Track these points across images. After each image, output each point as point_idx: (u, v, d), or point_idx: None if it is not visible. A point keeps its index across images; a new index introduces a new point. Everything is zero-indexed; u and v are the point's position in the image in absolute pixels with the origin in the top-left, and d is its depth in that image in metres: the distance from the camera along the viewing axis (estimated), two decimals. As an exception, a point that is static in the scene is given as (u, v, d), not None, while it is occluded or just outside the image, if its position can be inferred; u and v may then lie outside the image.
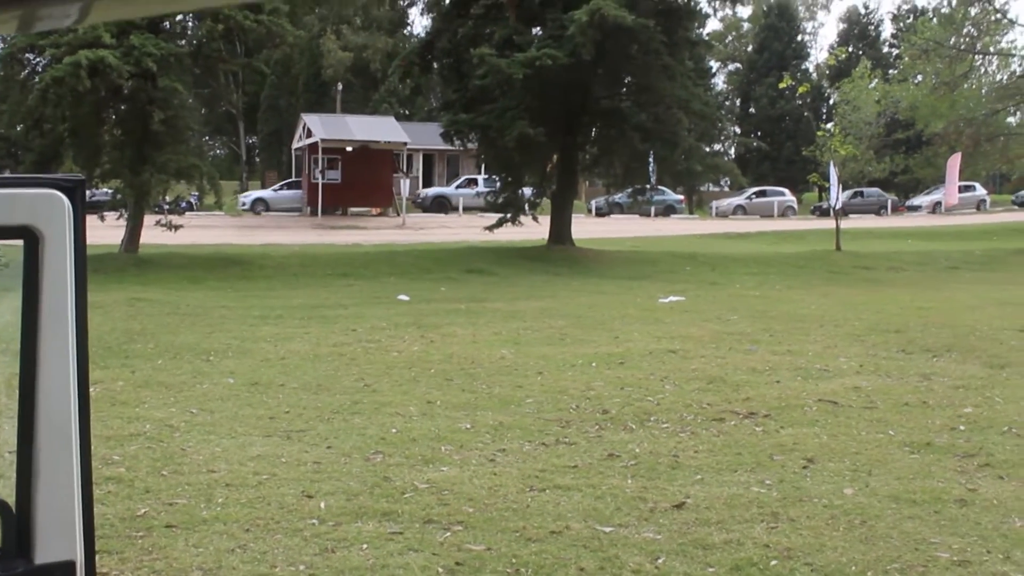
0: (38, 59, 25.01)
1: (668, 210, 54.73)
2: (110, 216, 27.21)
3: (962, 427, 8.92)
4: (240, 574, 5.52)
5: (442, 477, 7.35)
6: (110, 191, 27.98)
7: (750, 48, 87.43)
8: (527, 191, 31.99)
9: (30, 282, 2.13)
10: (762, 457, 7.88)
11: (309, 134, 48.30)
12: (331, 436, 8.59)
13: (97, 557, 5.70)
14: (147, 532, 6.19)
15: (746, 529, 6.17)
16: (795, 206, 60.27)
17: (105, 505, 6.68)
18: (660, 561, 5.66)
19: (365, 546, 5.94)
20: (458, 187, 52.37)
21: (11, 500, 2.17)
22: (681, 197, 55.59)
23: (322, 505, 6.70)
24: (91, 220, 29.81)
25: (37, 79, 23.77)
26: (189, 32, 26.86)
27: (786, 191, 61.32)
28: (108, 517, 6.43)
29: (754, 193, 59.06)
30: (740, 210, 57.67)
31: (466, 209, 48.42)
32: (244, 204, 49.93)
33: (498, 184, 31.97)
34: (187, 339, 14.16)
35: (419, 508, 6.63)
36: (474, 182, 52.26)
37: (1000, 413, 9.51)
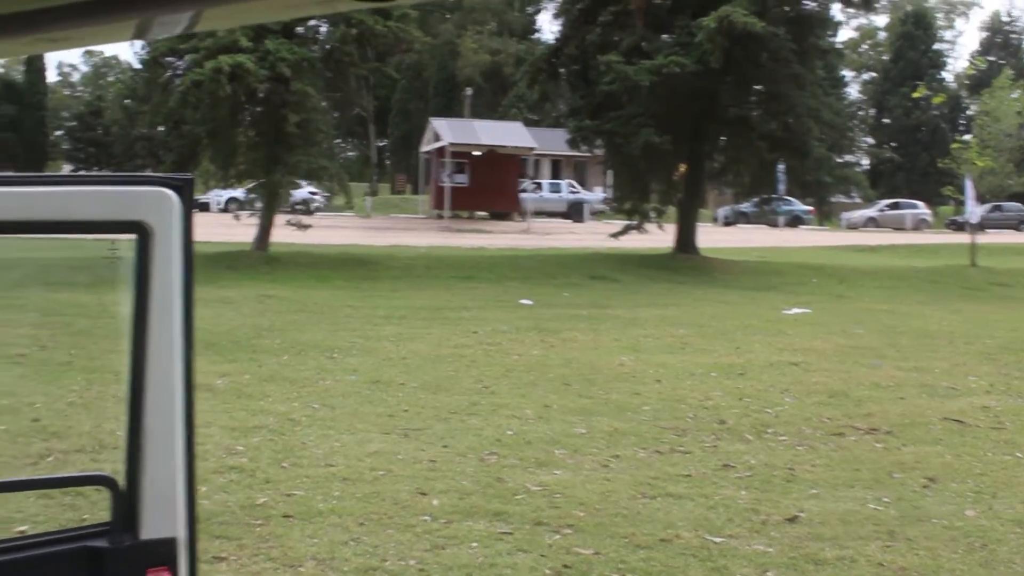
0: (179, 63, 25.82)
1: (795, 221, 53.86)
2: (243, 215, 28.03)
3: (1096, 451, 8.60)
4: (351, 566, 5.64)
5: (555, 480, 7.39)
6: (244, 191, 28.76)
7: (885, 57, 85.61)
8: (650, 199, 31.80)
9: (140, 275, 2.25)
10: (881, 474, 7.73)
11: (437, 138, 48.85)
12: (447, 435, 8.70)
13: (217, 542, 5.89)
14: (265, 521, 6.36)
15: (860, 546, 6.07)
16: (929, 219, 58.69)
17: (227, 493, 6.89)
18: (769, 574, 5.60)
19: (475, 544, 6.01)
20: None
21: (120, 479, 2.28)
22: (809, 208, 54.57)
23: (435, 503, 6.80)
24: (226, 218, 30.72)
25: (178, 82, 24.55)
26: (321, 37, 27.41)
27: (920, 204, 59.75)
28: (229, 504, 6.63)
29: (887, 205, 57.71)
30: (872, 222, 56.39)
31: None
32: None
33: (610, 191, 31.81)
34: (313, 336, 14.47)
35: (530, 510, 6.68)
36: (539, 186, 52.16)
37: None
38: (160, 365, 2.26)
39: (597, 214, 51.74)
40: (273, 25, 24.12)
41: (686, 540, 6.14)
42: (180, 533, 2.27)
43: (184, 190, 2.27)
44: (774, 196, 33.60)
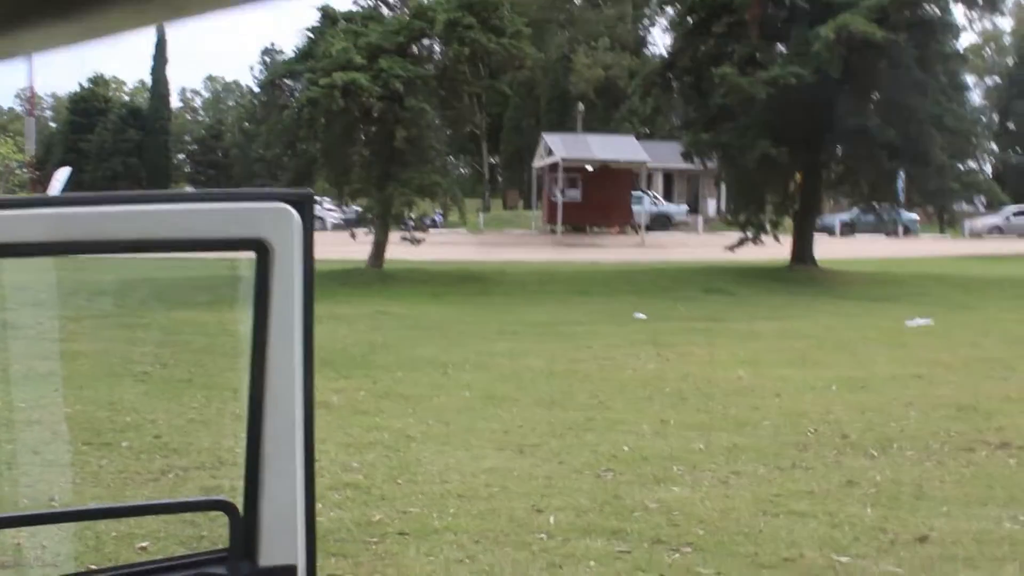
0: (295, 85, 26.30)
1: (904, 230, 52.07)
2: (359, 232, 28.38)
3: None
4: (469, 585, 5.58)
5: (673, 497, 7.24)
6: (359, 209, 29.13)
7: (1010, 61, 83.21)
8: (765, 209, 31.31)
9: (261, 293, 2.20)
10: (1016, 491, 7.40)
11: (550, 153, 48.81)
12: (563, 452, 8.61)
13: (333, 560, 5.88)
14: (381, 538, 6.34)
15: (997, 568, 5.80)
16: None
17: (342, 510, 6.89)
18: (901, 596, 5.38)
19: (592, 563, 5.91)
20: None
21: (239, 503, 2.24)
22: (916, 216, 52.82)
23: (551, 520, 6.71)
24: (341, 236, 31.13)
25: (293, 102, 25.00)
26: (436, 56, 27.67)
27: None
28: (344, 521, 6.63)
29: (1014, 213, 55.70)
30: (997, 230, 54.44)
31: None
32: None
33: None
34: (426, 352, 14.51)
35: (648, 528, 6.54)
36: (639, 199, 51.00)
37: None
38: (280, 385, 2.21)
39: (679, 224, 51.13)
40: (387, 44, 24.45)
41: (811, 559, 5.94)
42: (300, 560, 2.22)
43: (304, 206, 2.22)
44: (883, 204, 32.73)
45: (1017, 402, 10.88)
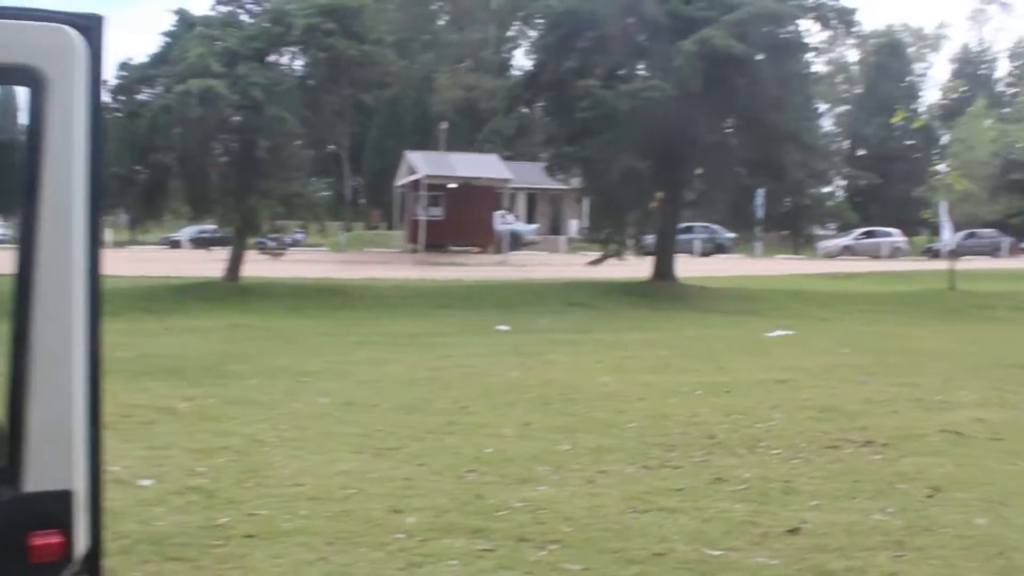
0: (150, 92, 25.28)
1: (718, 248, 52.76)
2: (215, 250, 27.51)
3: (1103, 461, 8.21)
4: (319, 586, 5.17)
5: (538, 496, 6.93)
6: (215, 227, 28.23)
7: (859, 90, 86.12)
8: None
9: (35, 134, 1.72)
10: (882, 485, 7.31)
11: (412, 171, 48.45)
12: (423, 454, 8.24)
13: (171, 564, 5.39)
14: (226, 541, 5.89)
15: (869, 557, 5.64)
16: (904, 247, 58.52)
17: (185, 514, 6.41)
18: (775, 586, 5.16)
19: (454, 562, 5.56)
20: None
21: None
22: (733, 235, 53.80)
23: (410, 520, 6.34)
24: (197, 253, 30.12)
25: (147, 110, 24.05)
26: (295, 67, 27.02)
27: (895, 231, 59.59)
28: (187, 526, 6.16)
29: (862, 233, 57.45)
30: (847, 251, 56.10)
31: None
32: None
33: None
34: (283, 362, 14.00)
35: (513, 526, 6.22)
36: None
37: None
38: (55, 265, 1.73)
39: (529, 244, 51.22)
40: (245, 50, 23.77)
41: (682, 554, 5.69)
42: (78, 485, 1.76)
43: (93, 31, 1.74)
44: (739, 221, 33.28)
45: (877, 404, 10.92)
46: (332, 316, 21.09)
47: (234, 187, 24.86)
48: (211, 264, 27.78)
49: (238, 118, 23.79)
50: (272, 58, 25.88)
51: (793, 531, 6.12)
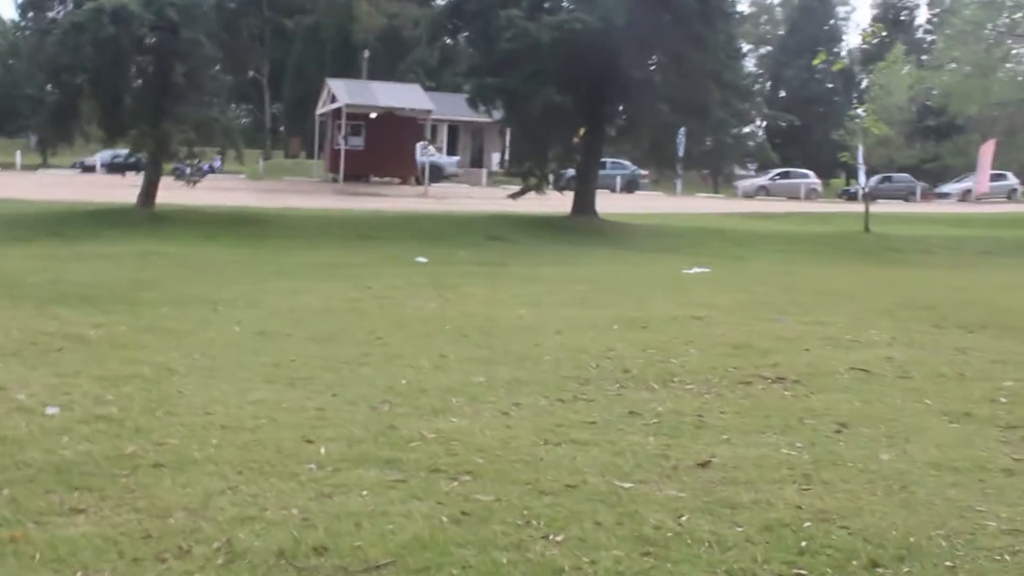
0: (60, 7, 24.52)
1: (631, 185, 53.02)
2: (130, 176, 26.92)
3: (1003, 399, 8.40)
4: (227, 515, 5.09)
5: (452, 428, 6.91)
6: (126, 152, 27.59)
7: (782, 31, 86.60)
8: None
9: None
10: (792, 420, 7.41)
11: (333, 99, 47.71)
12: (337, 385, 8.18)
13: (76, 494, 5.28)
14: (132, 471, 5.78)
15: (776, 490, 5.71)
16: (819, 189, 59.32)
17: (91, 443, 6.29)
18: (684, 519, 5.20)
19: (365, 492, 5.51)
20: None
21: None
22: (645, 172, 54.06)
23: (322, 450, 6.28)
24: (111, 178, 29.50)
25: (57, 27, 23.32)
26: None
27: (811, 173, 60.36)
28: (93, 455, 6.03)
29: (778, 174, 58.12)
30: (763, 191, 56.73)
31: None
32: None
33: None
34: (196, 290, 13.80)
35: (425, 457, 6.19)
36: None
37: (1043, 388, 9.00)
38: None
39: (450, 177, 50.92)
40: (162, -28, 23.16)
41: (593, 486, 5.71)
42: None
43: None
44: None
45: (789, 341, 11.07)
46: (248, 245, 20.84)
47: (148, 111, 24.27)
48: (125, 190, 27.26)
49: (153, 39, 23.16)
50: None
51: (703, 464, 6.18)
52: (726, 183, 54.30)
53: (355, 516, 5.13)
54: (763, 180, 57.24)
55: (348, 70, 64.70)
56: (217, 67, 26.74)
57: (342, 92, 46.83)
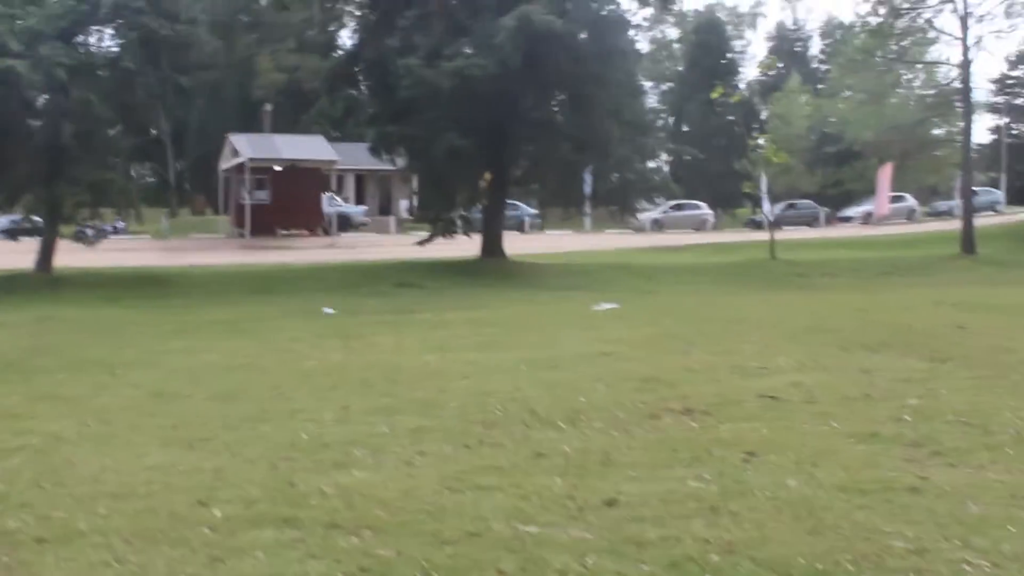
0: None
1: (520, 225, 52.79)
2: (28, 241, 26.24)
3: (908, 418, 8.44)
4: (111, 589, 4.85)
5: (353, 481, 6.71)
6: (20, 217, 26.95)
7: (681, 67, 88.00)
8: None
9: None
10: (700, 452, 7.33)
11: (236, 154, 47.21)
12: (236, 444, 7.93)
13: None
14: (13, 547, 5.50)
15: (683, 524, 5.61)
16: (711, 219, 59.69)
17: (-29, 522, 5.97)
18: (589, 560, 5.07)
19: (260, 554, 5.30)
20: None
21: None
22: (535, 211, 54.30)
23: (217, 513, 6.04)
24: (8, 244, 28.72)
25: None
26: (105, 44, 25.91)
27: (703, 204, 60.86)
28: (-29, 534, 5.72)
29: (671, 207, 58.28)
30: (656, 224, 56.66)
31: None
32: None
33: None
34: (94, 353, 13.41)
35: (324, 513, 5.99)
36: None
37: (945, 403, 9.07)
38: None
39: (359, 226, 50.74)
40: (49, 30, 22.69)
41: (497, 532, 5.56)
42: None
43: None
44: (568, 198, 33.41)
45: (698, 372, 11.06)
46: (150, 305, 20.39)
47: (41, 174, 23.73)
48: (22, 255, 26.54)
49: (43, 101, 22.68)
50: (80, 38, 24.77)
51: (610, 503, 6.06)
52: (628, 219, 54.40)
53: (248, 581, 4.92)
54: (656, 214, 57.01)
55: (251, 125, 64.21)
56: (116, 127, 26.26)
57: (244, 147, 46.37)
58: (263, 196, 46.17)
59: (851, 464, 6.94)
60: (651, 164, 51.67)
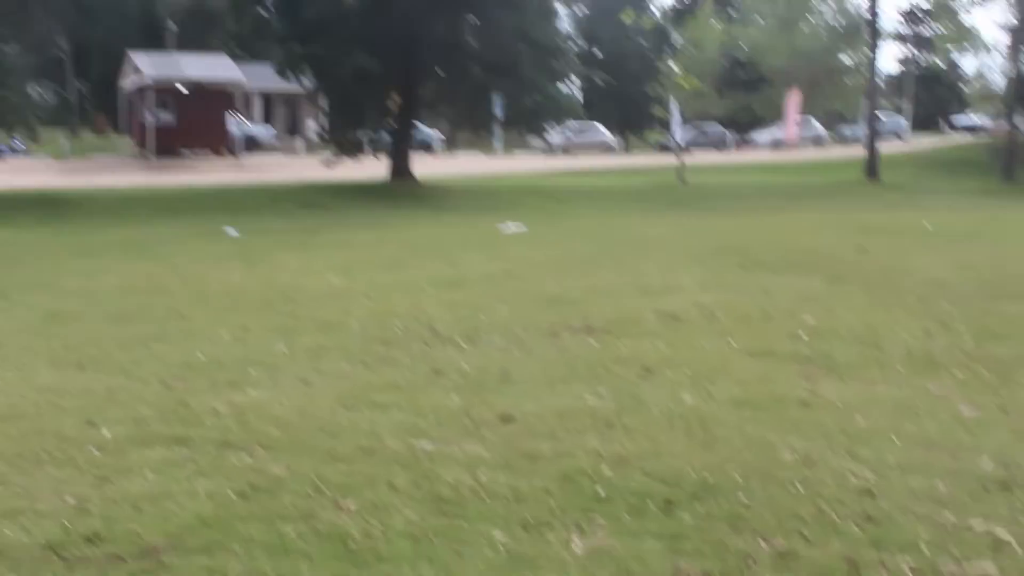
0: None
1: (425, 147, 52.09)
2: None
3: (803, 335, 8.58)
4: (-8, 511, 4.72)
5: (248, 400, 6.62)
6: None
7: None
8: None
9: None
10: (598, 369, 7.36)
11: (137, 72, 45.84)
12: (129, 364, 7.77)
13: None
14: None
15: (578, 439, 5.63)
16: (614, 143, 59.45)
17: None
18: (482, 475, 5.06)
19: (148, 473, 5.20)
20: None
21: None
22: (440, 136, 53.72)
23: (106, 434, 5.91)
24: None
25: None
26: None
27: (603, 128, 60.27)
28: None
29: (574, 131, 57.82)
30: (563, 148, 56.00)
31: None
32: None
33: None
34: (-14, 276, 13.02)
35: (216, 432, 5.89)
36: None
37: (840, 322, 9.24)
38: None
39: (266, 147, 49.94)
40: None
41: (391, 448, 5.53)
42: None
43: None
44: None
45: (601, 292, 11.10)
46: (48, 226, 19.88)
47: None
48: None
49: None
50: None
51: (505, 419, 6.06)
52: (536, 141, 54.06)
53: (135, 499, 4.83)
54: (559, 137, 56.43)
55: (156, 45, 62.47)
56: (12, 45, 25.33)
57: (147, 66, 45.05)
58: (167, 117, 45.02)
59: (746, 380, 7.02)
60: (562, 88, 51.49)
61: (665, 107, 40.11)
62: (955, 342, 8.33)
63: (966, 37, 67.55)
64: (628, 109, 67.75)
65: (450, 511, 4.61)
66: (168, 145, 43.89)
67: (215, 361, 7.79)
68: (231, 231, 18.31)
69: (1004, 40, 51.07)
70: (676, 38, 75.28)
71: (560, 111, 37.68)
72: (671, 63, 46.68)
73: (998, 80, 63.86)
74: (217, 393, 6.81)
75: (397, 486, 4.93)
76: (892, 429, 5.78)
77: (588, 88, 72.83)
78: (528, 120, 35.69)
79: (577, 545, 4.24)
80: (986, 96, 71.18)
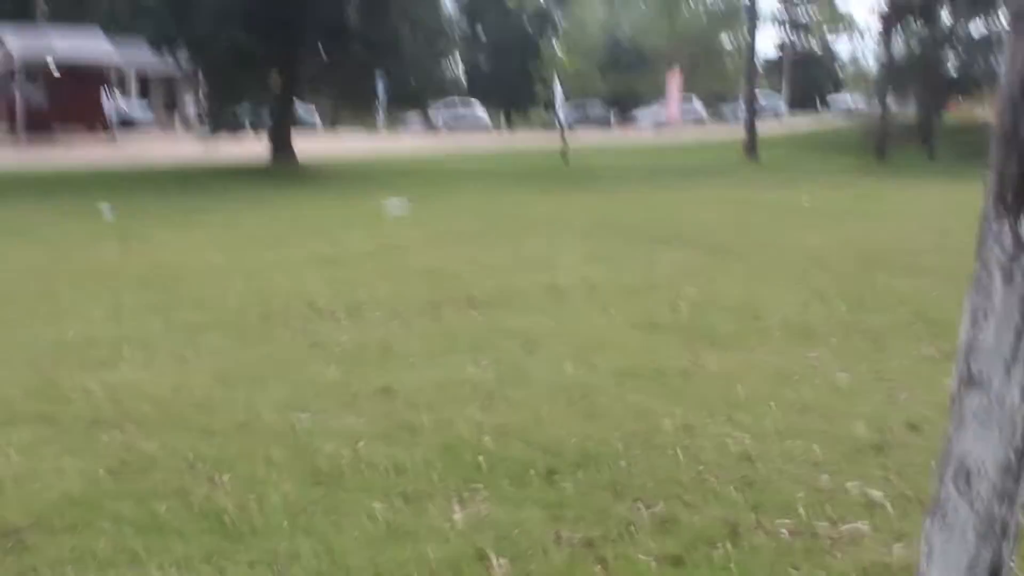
0: None
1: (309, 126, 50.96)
2: None
3: (685, 307, 8.66)
4: None
5: (120, 378, 6.42)
6: None
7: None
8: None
9: None
10: (480, 341, 7.33)
11: (4, 47, 44.16)
12: (-7, 346, 7.47)
13: None
14: None
15: (459, 410, 5.58)
16: (488, 121, 59.02)
17: None
18: (361, 446, 4.98)
19: (12, 453, 5.00)
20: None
21: None
22: (316, 119, 53.08)
23: (-32, 415, 5.67)
24: None
25: None
26: None
27: (479, 106, 59.74)
28: None
29: (449, 110, 57.25)
30: (447, 126, 55.30)
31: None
32: None
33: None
34: None
35: (87, 410, 5.71)
36: None
37: (721, 293, 9.37)
38: None
39: (141, 126, 48.79)
40: None
41: (268, 422, 5.42)
42: None
43: None
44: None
45: (484, 268, 11.06)
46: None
47: None
48: None
49: None
50: None
51: (385, 391, 5.99)
52: (419, 120, 53.26)
53: (-2, 481, 4.63)
54: (435, 117, 55.59)
55: (25, 14, 60.34)
56: None
57: (13, 41, 43.49)
58: (38, 94, 43.54)
59: (628, 351, 7.06)
60: (446, 70, 51.11)
61: (547, 86, 40.19)
62: (831, 312, 8.49)
63: (840, 22, 69.25)
64: (512, 89, 67.78)
65: (329, 484, 4.53)
66: (39, 123, 42.44)
67: (87, 340, 7.55)
68: (107, 211, 17.77)
69: (876, 26, 52.38)
70: (559, 19, 75.59)
71: (442, 89, 37.43)
72: (554, 43, 46.81)
73: (872, 63, 65.62)
74: (88, 372, 6.60)
75: (274, 460, 4.83)
76: (771, 396, 5.86)
77: (472, 68, 72.67)
78: (411, 99, 35.42)
79: (458, 515, 4.19)
80: (860, 78, 73.09)
